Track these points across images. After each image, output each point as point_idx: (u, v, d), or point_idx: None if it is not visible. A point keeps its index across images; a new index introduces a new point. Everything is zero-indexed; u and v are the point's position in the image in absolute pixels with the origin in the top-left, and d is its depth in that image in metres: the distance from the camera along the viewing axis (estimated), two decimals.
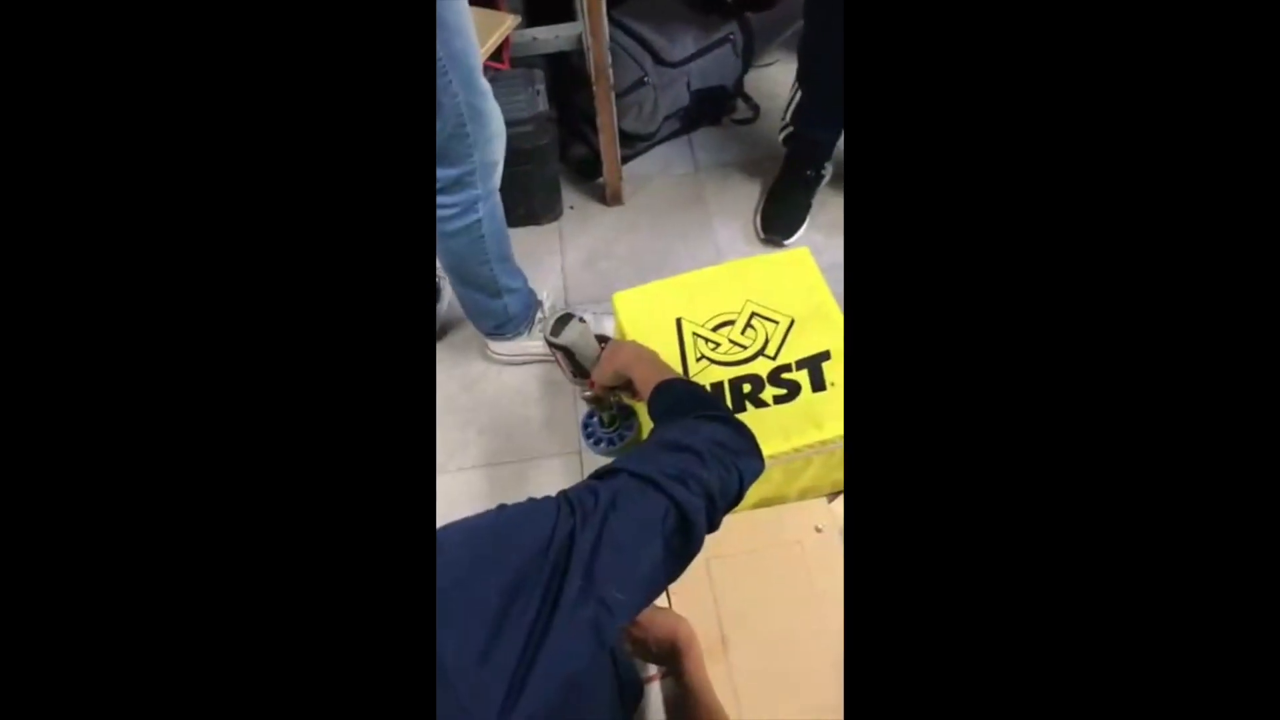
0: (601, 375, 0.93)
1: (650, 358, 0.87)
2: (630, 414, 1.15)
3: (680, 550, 0.58)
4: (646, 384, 0.80)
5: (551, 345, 0.97)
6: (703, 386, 0.76)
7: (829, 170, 1.53)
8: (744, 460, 0.65)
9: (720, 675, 0.98)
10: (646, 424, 1.15)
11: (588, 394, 1.03)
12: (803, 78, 1.44)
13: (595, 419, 1.15)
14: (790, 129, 1.49)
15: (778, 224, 1.48)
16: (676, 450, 0.62)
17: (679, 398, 0.76)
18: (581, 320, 0.97)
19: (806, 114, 1.45)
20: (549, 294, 1.35)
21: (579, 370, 1.00)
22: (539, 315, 1.29)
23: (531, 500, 0.56)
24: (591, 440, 1.16)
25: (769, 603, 1.04)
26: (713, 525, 0.61)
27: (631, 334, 1.07)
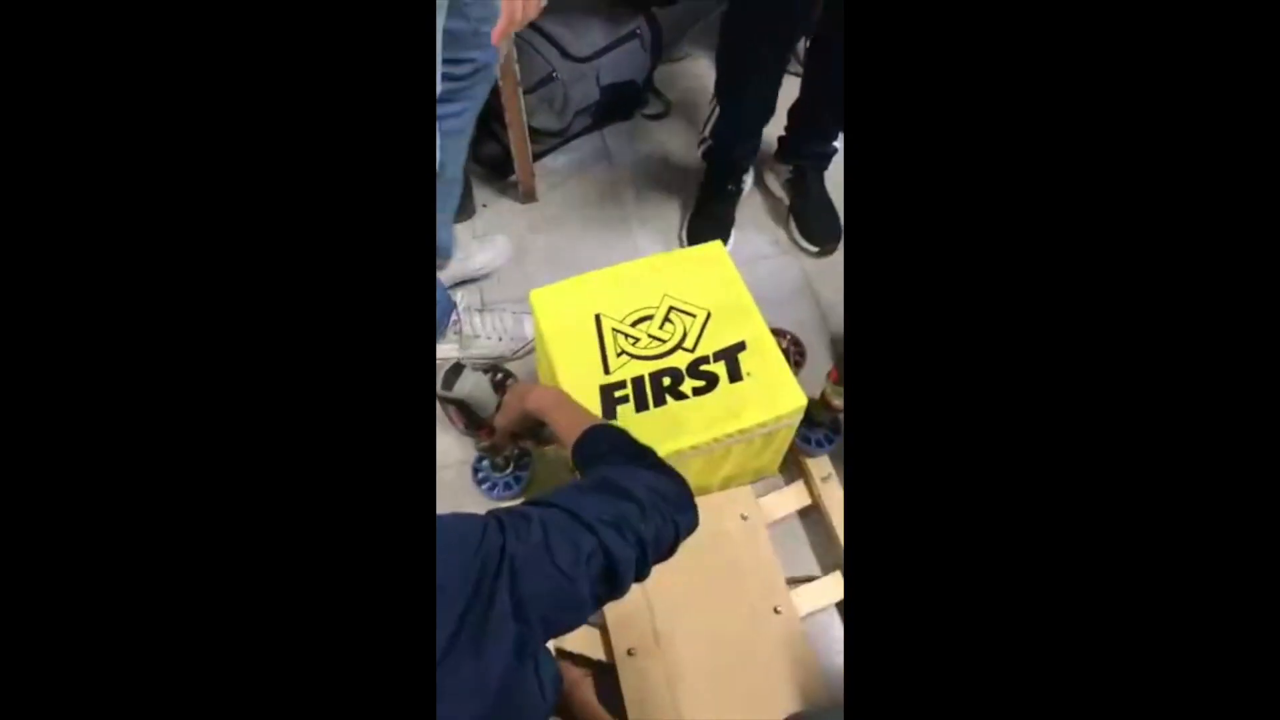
0: (507, 419, 0.88)
1: (571, 404, 0.84)
2: (525, 454, 1.10)
3: (604, 595, 0.57)
4: (571, 429, 0.76)
5: (443, 400, 0.91)
6: (631, 434, 0.75)
7: (748, 182, 1.53)
8: (681, 514, 0.65)
9: (655, 670, 0.98)
10: (547, 468, 1.11)
11: (484, 444, 0.98)
12: (720, 92, 1.41)
13: (486, 462, 1.09)
14: (709, 143, 1.47)
15: (704, 239, 1.44)
16: (615, 495, 0.60)
17: (614, 443, 0.73)
18: (475, 370, 0.92)
19: (724, 130, 1.42)
20: (463, 297, 1.32)
21: (474, 422, 0.94)
22: (454, 318, 1.26)
23: (455, 514, 0.54)
24: (485, 486, 1.09)
25: (701, 595, 1.05)
26: (641, 576, 0.60)
27: (549, 332, 1.06)
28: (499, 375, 1.08)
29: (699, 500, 1.11)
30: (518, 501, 1.03)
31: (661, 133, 1.68)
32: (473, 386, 0.91)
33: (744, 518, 1.11)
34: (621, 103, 1.67)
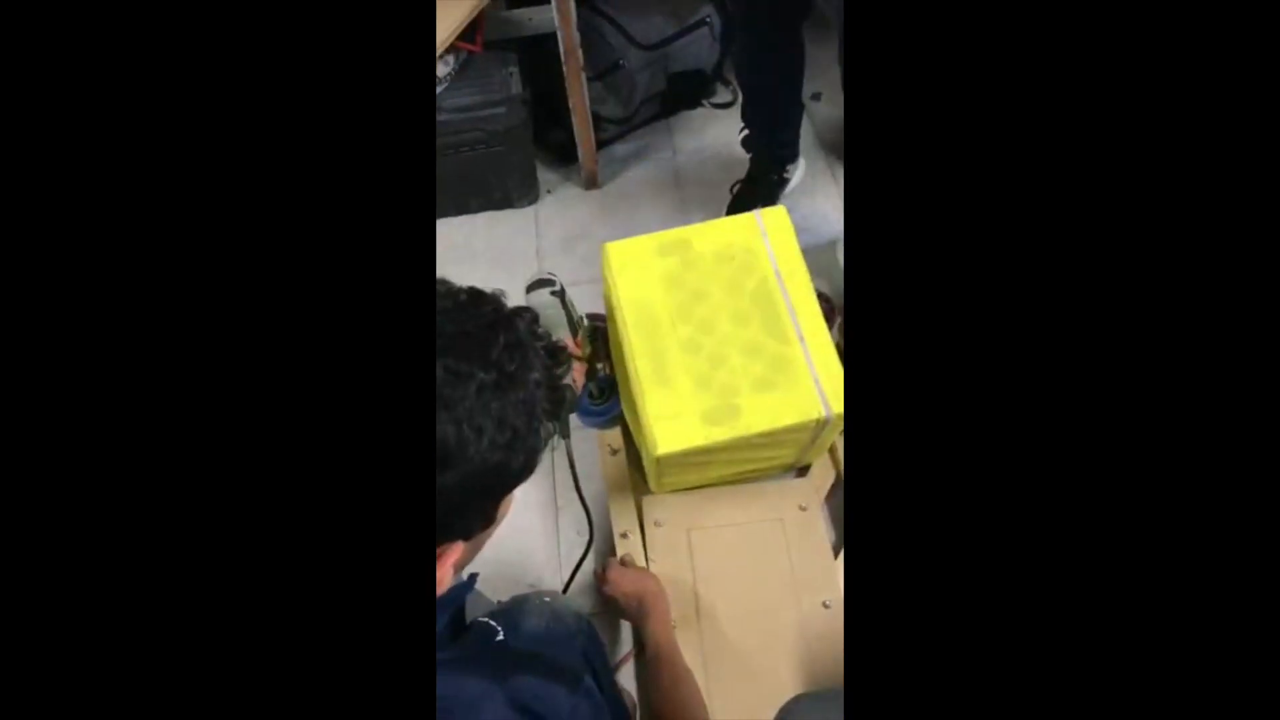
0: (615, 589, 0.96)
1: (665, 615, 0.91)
2: (614, 385, 1.18)
3: None
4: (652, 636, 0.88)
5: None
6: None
7: (794, 173, 1.48)
8: None
9: (691, 642, 0.98)
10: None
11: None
12: (738, 74, 1.38)
13: (586, 394, 1.20)
14: (745, 131, 1.43)
15: None
16: None
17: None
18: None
19: (752, 114, 1.38)
20: None
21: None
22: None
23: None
24: (583, 413, 1.20)
25: (744, 577, 1.04)
26: None
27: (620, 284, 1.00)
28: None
29: (760, 485, 1.10)
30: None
31: (728, 122, 1.66)
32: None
33: (802, 509, 1.09)
34: (689, 91, 1.66)
